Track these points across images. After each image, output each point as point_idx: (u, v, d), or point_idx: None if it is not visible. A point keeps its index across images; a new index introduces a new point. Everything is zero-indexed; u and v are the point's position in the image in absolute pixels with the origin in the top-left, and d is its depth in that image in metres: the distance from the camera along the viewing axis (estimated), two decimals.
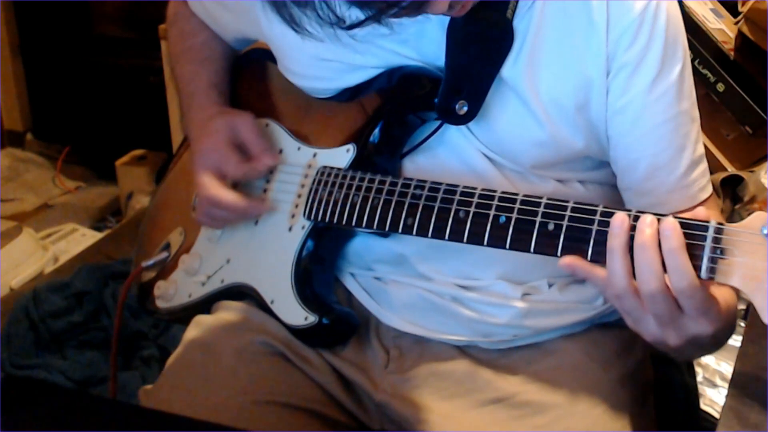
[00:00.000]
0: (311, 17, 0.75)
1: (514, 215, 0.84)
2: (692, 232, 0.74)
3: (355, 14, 0.76)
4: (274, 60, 1.10)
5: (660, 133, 0.95)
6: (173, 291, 1.13)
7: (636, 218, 0.77)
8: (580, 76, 0.93)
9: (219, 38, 1.19)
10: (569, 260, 0.79)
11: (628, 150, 0.96)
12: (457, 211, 0.87)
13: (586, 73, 0.93)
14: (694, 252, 0.74)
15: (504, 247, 0.84)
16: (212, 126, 1.07)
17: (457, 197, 0.88)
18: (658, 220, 0.76)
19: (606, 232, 0.78)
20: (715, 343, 0.84)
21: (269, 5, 0.76)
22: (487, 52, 0.93)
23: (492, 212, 0.85)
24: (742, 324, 1.39)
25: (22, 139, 3.13)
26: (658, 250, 0.75)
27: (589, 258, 0.78)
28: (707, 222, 0.74)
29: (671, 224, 0.75)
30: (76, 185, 2.96)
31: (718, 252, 0.73)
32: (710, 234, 0.73)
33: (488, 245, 0.85)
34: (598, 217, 0.79)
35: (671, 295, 0.75)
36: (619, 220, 0.77)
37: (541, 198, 0.83)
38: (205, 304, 1.11)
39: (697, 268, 0.73)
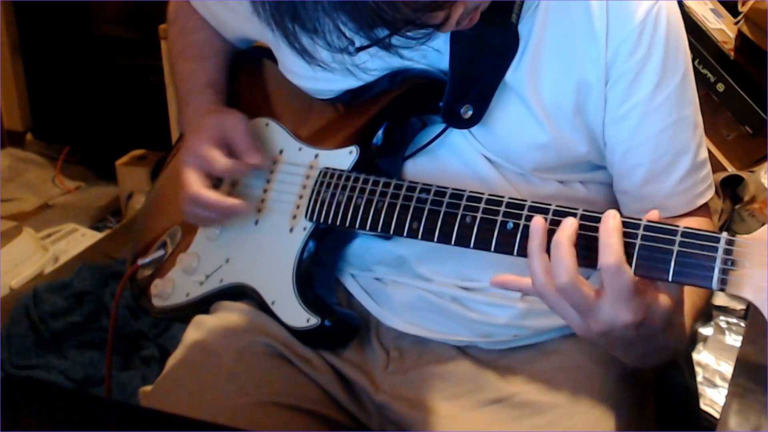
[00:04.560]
0: (321, 45, 0.75)
1: (522, 222, 0.83)
2: (703, 243, 0.74)
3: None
4: (274, 59, 1.10)
5: (659, 140, 0.95)
6: (170, 290, 1.13)
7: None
8: (579, 78, 0.93)
9: (219, 36, 1.19)
10: (499, 279, 0.82)
11: (626, 156, 0.96)
12: (463, 217, 0.87)
13: (585, 77, 0.93)
14: (705, 263, 0.74)
15: (512, 254, 0.83)
16: (202, 124, 1.07)
17: (463, 202, 0.87)
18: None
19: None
20: (651, 344, 0.83)
21: (280, 36, 0.75)
22: (492, 56, 0.92)
23: (500, 218, 0.85)
24: (742, 324, 1.39)
25: (22, 139, 3.13)
26: (572, 247, 0.77)
27: (598, 266, 0.78)
28: (718, 233, 0.74)
29: (610, 211, 0.78)
30: (76, 185, 2.96)
31: (729, 263, 0.72)
32: (721, 245, 0.73)
33: (495, 251, 0.85)
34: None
35: (583, 287, 0.77)
36: (537, 225, 0.79)
37: (550, 205, 0.83)
38: (204, 304, 1.11)
39: (708, 279, 0.73)
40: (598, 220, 0.79)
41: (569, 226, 0.79)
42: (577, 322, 0.80)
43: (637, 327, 0.78)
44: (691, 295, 0.89)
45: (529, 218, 0.83)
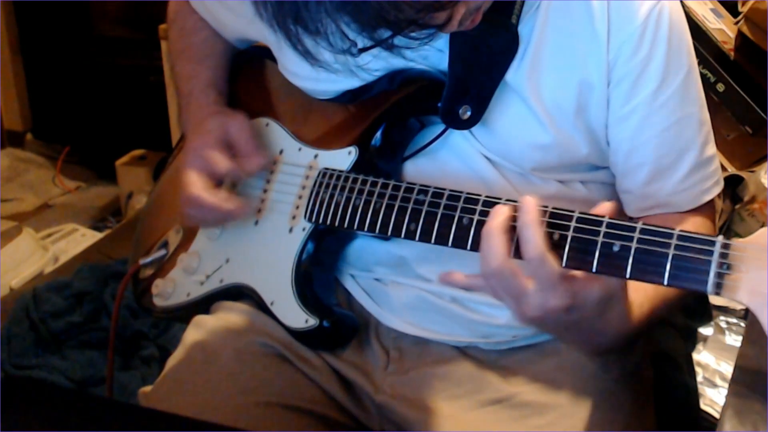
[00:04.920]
0: (324, 47, 0.74)
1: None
2: (699, 246, 0.74)
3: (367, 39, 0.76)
4: (274, 59, 1.10)
5: (662, 138, 0.95)
6: (171, 289, 1.13)
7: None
8: (581, 79, 0.93)
9: (219, 36, 1.19)
10: (445, 278, 0.84)
11: (629, 156, 0.96)
12: (460, 218, 0.87)
13: (587, 77, 0.93)
14: (700, 266, 0.73)
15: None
16: (206, 125, 1.07)
17: (461, 204, 0.87)
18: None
19: (607, 243, 0.77)
20: (591, 327, 0.84)
21: (283, 38, 0.75)
22: (492, 57, 0.92)
23: None
24: (742, 324, 1.39)
25: (22, 139, 3.13)
26: (503, 235, 0.79)
27: (594, 269, 0.78)
28: (714, 237, 0.74)
29: (527, 201, 0.78)
30: (76, 185, 2.97)
31: (725, 267, 0.72)
32: (717, 249, 0.73)
33: None
34: (603, 228, 0.78)
35: (514, 276, 0.79)
36: (497, 210, 0.81)
37: (546, 207, 0.82)
38: (204, 304, 1.11)
39: (703, 283, 0.73)
40: (594, 222, 0.78)
41: (500, 214, 0.80)
42: (515, 307, 0.81)
43: (566, 311, 0.79)
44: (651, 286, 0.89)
45: None
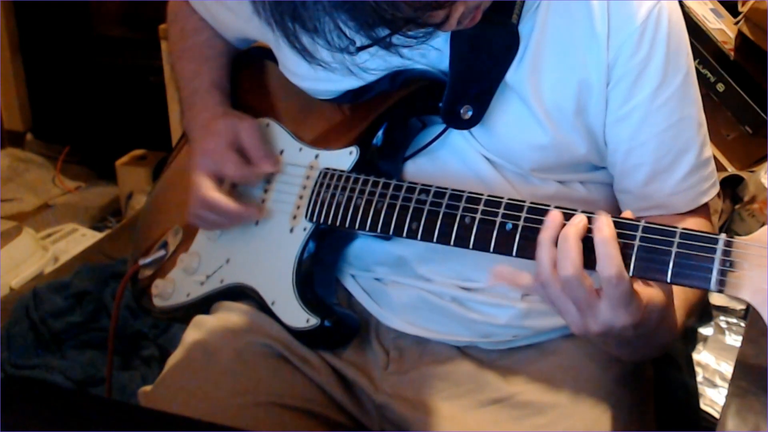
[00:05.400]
0: (321, 44, 0.75)
1: (521, 223, 0.83)
2: (702, 244, 0.74)
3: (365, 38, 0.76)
4: (275, 60, 1.10)
5: (661, 139, 0.95)
6: (171, 290, 1.13)
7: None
8: (580, 79, 0.93)
9: (220, 37, 1.19)
10: (498, 271, 0.83)
11: (627, 156, 0.96)
12: (462, 217, 0.87)
13: (586, 77, 0.93)
14: (703, 264, 0.74)
15: (510, 255, 0.83)
16: (215, 127, 1.07)
17: (462, 203, 0.87)
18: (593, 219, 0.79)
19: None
20: (645, 341, 0.85)
21: (281, 36, 0.75)
22: (492, 57, 0.92)
23: (498, 219, 0.84)
24: (742, 324, 1.39)
25: (22, 139, 3.13)
26: (580, 242, 0.78)
27: (597, 266, 0.78)
28: (717, 235, 0.74)
29: (604, 219, 0.78)
30: (76, 185, 2.97)
31: (728, 265, 0.72)
32: (720, 247, 0.73)
33: (494, 252, 0.85)
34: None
35: (586, 282, 0.78)
36: (552, 217, 0.80)
37: (548, 205, 0.83)
38: (204, 304, 1.11)
39: (706, 280, 0.73)
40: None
41: (578, 221, 0.79)
42: (576, 319, 0.80)
43: (634, 328, 0.79)
44: (684, 290, 0.89)
45: (528, 219, 0.83)
